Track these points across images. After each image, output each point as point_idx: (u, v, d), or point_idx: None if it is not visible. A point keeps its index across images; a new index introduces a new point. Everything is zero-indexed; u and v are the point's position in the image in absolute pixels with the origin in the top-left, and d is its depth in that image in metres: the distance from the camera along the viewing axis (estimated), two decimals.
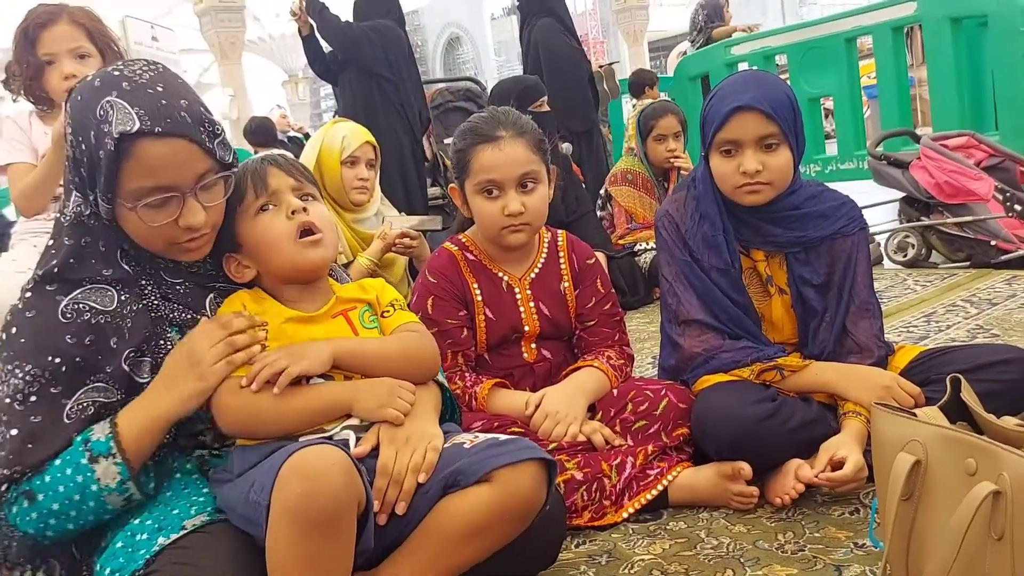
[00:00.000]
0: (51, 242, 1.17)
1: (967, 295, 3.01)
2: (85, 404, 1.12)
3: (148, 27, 5.90)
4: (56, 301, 1.12)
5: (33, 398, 1.09)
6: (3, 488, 1.08)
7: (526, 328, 1.73)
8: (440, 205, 4.41)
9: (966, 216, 3.44)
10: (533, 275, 1.77)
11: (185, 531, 1.05)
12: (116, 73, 1.13)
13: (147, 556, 1.02)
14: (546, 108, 3.50)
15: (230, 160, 1.19)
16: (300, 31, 4.29)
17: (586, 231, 3.58)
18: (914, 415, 1.13)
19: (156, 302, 1.18)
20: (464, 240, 1.78)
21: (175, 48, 6.40)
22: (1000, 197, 3.34)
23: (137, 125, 1.08)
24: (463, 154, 1.68)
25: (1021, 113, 4.04)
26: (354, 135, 2.60)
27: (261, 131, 6.68)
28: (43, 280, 1.14)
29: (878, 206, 4.11)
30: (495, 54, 26.19)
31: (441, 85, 5.58)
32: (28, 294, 1.14)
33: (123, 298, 1.15)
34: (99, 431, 1.10)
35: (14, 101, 2.29)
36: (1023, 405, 1.59)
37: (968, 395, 1.15)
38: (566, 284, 1.78)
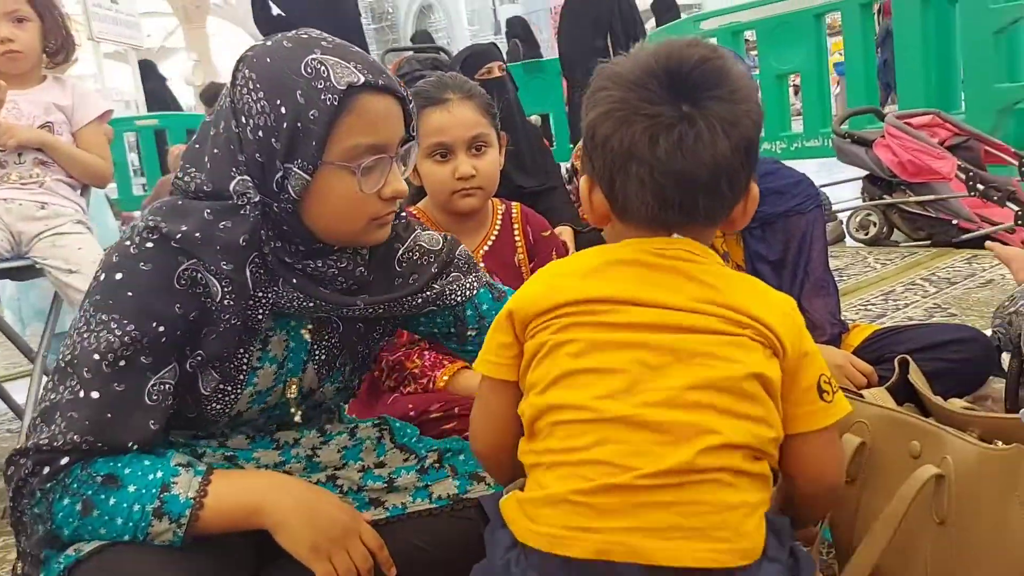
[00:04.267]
0: (184, 204, 1.04)
1: (927, 274, 3.03)
2: (165, 388, 1.00)
3: None
4: (177, 262, 1.00)
5: (123, 363, 0.97)
6: (63, 461, 0.93)
7: None
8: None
9: (928, 195, 3.46)
10: (487, 248, 1.73)
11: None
12: (304, 36, 1.05)
13: (67, 563, 0.94)
14: (496, 74, 3.44)
15: (414, 132, 1.12)
16: None
17: (554, 203, 3.54)
18: (860, 396, 1.11)
19: (259, 315, 1.06)
20: (415, 212, 1.74)
21: (135, 11, 6.23)
22: (962, 176, 3.36)
23: (362, 78, 1.01)
24: None
25: (988, 92, 4.05)
26: None
27: (217, 96, 6.52)
28: (167, 237, 1.01)
29: (842, 184, 4.13)
30: (468, 23, 25.89)
31: (408, 54, 5.48)
32: (148, 244, 1.01)
33: (226, 302, 1.02)
34: (183, 486, 0.96)
35: None
36: (976, 384, 1.60)
37: (916, 376, 1.14)
38: (521, 256, 1.75)
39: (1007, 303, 1.61)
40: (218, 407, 1.09)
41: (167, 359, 1.01)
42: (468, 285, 1.19)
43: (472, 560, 1.13)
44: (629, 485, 0.78)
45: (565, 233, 3.42)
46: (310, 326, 1.14)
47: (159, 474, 0.96)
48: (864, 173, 3.74)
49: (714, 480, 0.79)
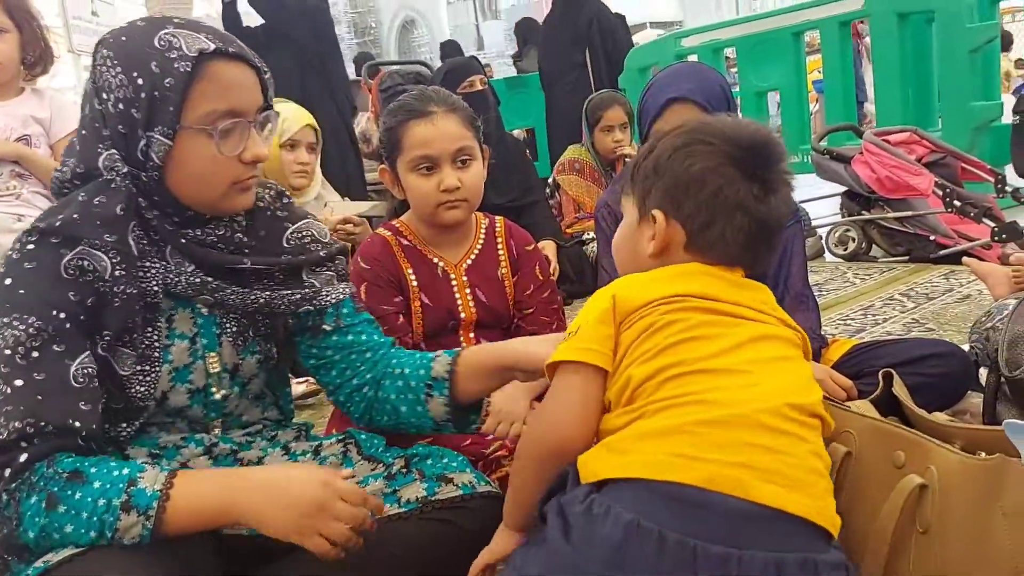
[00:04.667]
0: (59, 202, 1.09)
1: (905, 289, 3.05)
2: (89, 372, 1.02)
3: (88, 1, 5.68)
4: (60, 255, 1.03)
5: (35, 353, 0.99)
6: (22, 458, 0.94)
7: (462, 315, 1.70)
8: (386, 189, 4.33)
9: (906, 211, 3.50)
10: (470, 261, 1.73)
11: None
12: (157, 17, 1.11)
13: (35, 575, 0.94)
14: (478, 87, 3.46)
15: (271, 102, 1.17)
16: None
17: (537, 218, 3.56)
18: (847, 407, 1.12)
19: (155, 287, 1.10)
20: (398, 225, 1.74)
21: (116, 24, 6.19)
22: (940, 193, 3.40)
23: (212, 45, 1.07)
24: (394, 132, 1.64)
25: (963, 110, 4.11)
26: (294, 118, 2.53)
27: None
28: (46, 233, 1.04)
29: (821, 200, 4.16)
30: (451, 38, 26.02)
31: (390, 68, 5.49)
32: (29, 246, 1.04)
33: (117, 273, 1.05)
34: (149, 480, 0.96)
35: None
36: (954, 398, 1.62)
37: (900, 389, 1.15)
38: (504, 270, 1.75)
39: (984, 318, 1.63)
40: (141, 389, 1.10)
41: (80, 346, 1.03)
42: (341, 290, 1.27)
43: (443, 562, 1.13)
44: (738, 419, 0.87)
45: (548, 247, 3.43)
46: (209, 299, 1.16)
47: (125, 471, 0.97)
48: (843, 189, 3.78)
49: (800, 438, 0.89)
